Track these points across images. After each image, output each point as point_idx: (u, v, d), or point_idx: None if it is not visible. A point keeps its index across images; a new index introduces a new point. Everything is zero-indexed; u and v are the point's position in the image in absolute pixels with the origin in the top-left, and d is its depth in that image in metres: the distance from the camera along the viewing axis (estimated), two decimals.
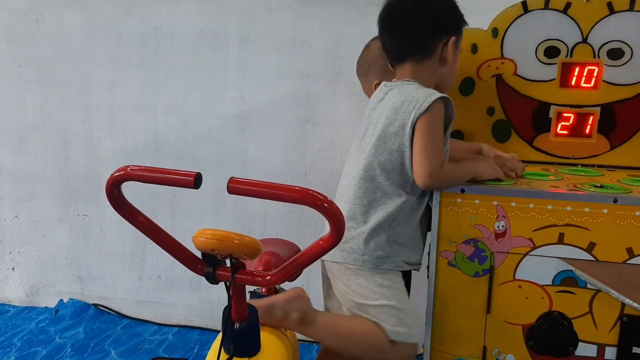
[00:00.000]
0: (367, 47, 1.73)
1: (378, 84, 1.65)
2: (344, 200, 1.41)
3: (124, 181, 0.97)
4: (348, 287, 1.40)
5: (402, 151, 1.35)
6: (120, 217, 1.02)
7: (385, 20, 1.45)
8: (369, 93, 1.72)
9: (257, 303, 1.23)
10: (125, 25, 2.17)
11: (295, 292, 1.32)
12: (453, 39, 1.40)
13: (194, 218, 2.20)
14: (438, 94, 1.33)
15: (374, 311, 1.36)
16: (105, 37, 2.20)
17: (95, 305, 2.38)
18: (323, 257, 1.40)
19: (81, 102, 2.26)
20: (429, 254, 1.44)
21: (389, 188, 1.37)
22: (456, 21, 1.43)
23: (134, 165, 0.98)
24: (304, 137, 2.09)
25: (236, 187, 0.92)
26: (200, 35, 2.11)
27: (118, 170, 0.97)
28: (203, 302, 2.27)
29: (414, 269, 1.46)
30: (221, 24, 2.09)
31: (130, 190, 2.31)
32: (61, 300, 2.41)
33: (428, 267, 1.43)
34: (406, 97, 1.35)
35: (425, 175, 1.32)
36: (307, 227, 2.12)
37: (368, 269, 1.37)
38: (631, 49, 1.64)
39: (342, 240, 1.34)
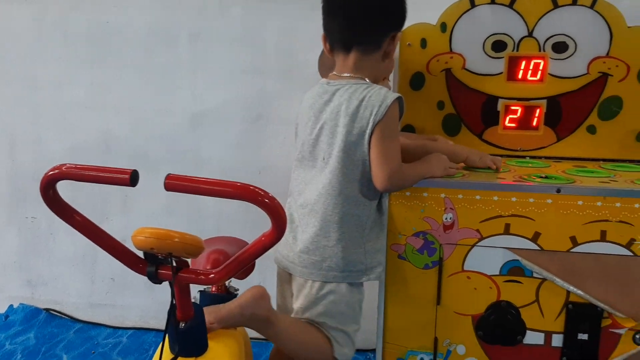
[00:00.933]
0: None
1: None
2: (314, 217, 1.37)
3: (59, 180, 0.95)
4: (314, 304, 1.37)
5: (364, 159, 1.33)
6: None
7: (335, 2, 1.40)
8: None
9: (230, 306, 1.22)
10: (72, 22, 2.11)
11: (260, 291, 1.29)
12: (399, 34, 1.40)
13: (146, 218, 2.16)
14: (392, 95, 1.31)
15: (331, 329, 1.38)
16: (51, 34, 2.14)
17: (47, 309, 2.32)
18: (296, 274, 1.40)
19: (28, 101, 2.19)
20: None
21: (358, 198, 1.35)
22: (402, 17, 1.42)
23: (69, 164, 0.95)
24: (258, 134, 2.07)
25: (173, 183, 0.90)
26: (150, 31, 2.07)
27: (52, 169, 0.95)
28: (158, 303, 2.23)
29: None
30: (172, 20, 2.05)
31: (81, 191, 2.25)
32: (11, 306, 2.34)
33: None
34: (360, 100, 1.32)
35: (385, 179, 1.31)
36: (263, 226, 2.09)
37: (347, 284, 1.37)
38: (575, 43, 1.68)
39: (319, 258, 1.35)
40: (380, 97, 1.31)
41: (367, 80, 1.38)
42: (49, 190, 0.96)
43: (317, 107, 1.40)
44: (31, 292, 2.34)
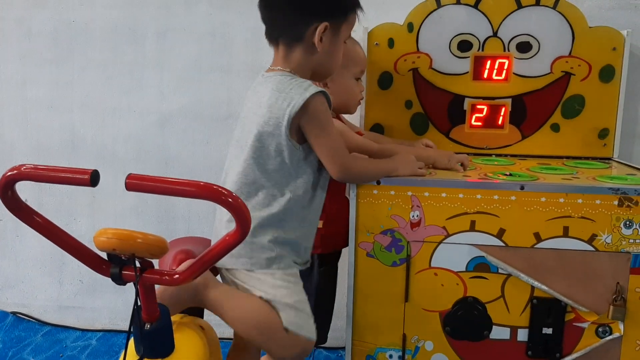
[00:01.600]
0: None
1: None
2: None
3: (18, 181, 0.93)
4: (246, 284, 1.35)
5: (281, 151, 1.30)
6: None
7: None
8: None
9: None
10: (36, 20, 2.08)
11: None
12: (325, 25, 1.30)
13: (115, 219, 2.14)
14: (313, 89, 1.27)
15: (272, 302, 1.32)
16: (15, 32, 2.10)
17: (14, 313, 2.28)
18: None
19: None
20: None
21: (272, 189, 1.32)
22: (331, 7, 1.33)
23: (28, 164, 0.93)
24: (227, 133, 2.05)
25: (135, 183, 0.89)
26: (115, 29, 2.05)
27: (11, 170, 0.93)
28: (128, 305, 2.20)
29: (303, 268, 1.42)
30: (138, 18, 2.03)
31: (47, 192, 2.21)
32: None
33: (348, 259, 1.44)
34: (280, 92, 1.28)
35: (337, 173, 1.32)
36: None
37: (260, 270, 1.33)
38: (538, 42, 1.71)
39: None
40: (299, 90, 1.27)
41: (295, 74, 1.34)
42: (7, 191, 0.93)
43: (246, 97, 1.40)
44: None
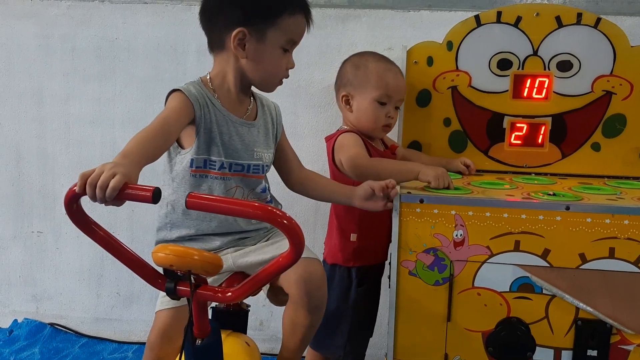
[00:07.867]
0: (344, 60, 1.72)
1: (345, 96, 1.66)
2: None
3: (83, 195, 0.96)
4: None
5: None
6: (77, 233, 1.00)
7: None
8: (339, 105, 1.73)
9: None
10: (80, 38, 2.13)
11: None
12: (239, 30, 1.30)
13: (153, 233, 2.16)
14: (178, 88, 1.33)
15: None
16: (59, 49, 2.15)
17: (52, 324, 2.31)
18: None
19: (34, 115, 2.20)
20: (389, 263, 1.45)
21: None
22: (247, 13, 1.31)
23: None
24: None
25: (195, 202, 0.91)
26: (157, 47, 2.09)
27: (76, 184, 0.96)
28: None
29: None
30: (179, 35, 2.07)
31: (85, 204, 2.24)
32: (15, 320, 2.33)
33: (390, 277, 1.45)
34: None
35: None
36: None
37: None
38: (579, 61, 1.71)
39: None
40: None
41: (210, 80, 1.39)
42: (72, 205, 0.97)
43: None
44: (36, 307, 2.33)
